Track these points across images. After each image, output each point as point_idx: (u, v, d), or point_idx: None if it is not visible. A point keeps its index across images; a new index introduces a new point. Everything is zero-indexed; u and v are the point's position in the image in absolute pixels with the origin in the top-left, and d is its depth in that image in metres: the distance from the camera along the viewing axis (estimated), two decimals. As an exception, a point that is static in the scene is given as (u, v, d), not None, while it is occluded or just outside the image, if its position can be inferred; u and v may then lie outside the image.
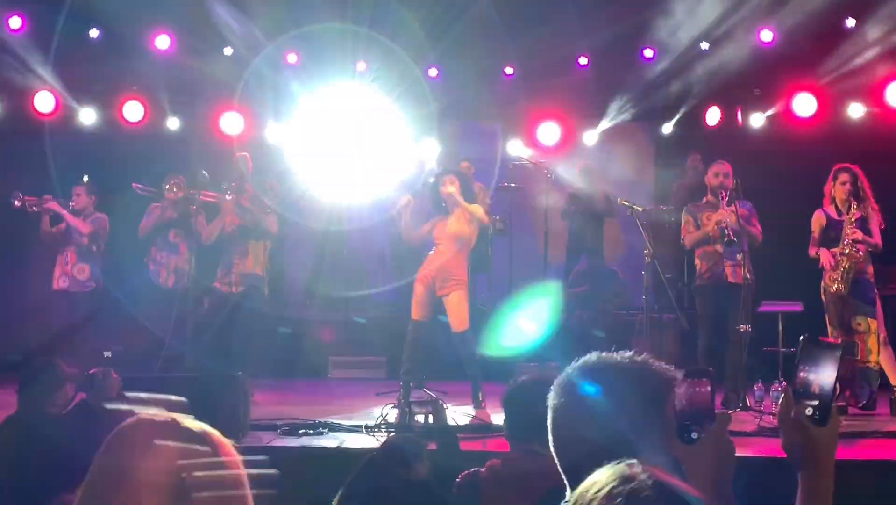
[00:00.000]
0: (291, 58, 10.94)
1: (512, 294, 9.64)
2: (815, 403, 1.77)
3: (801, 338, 1.83)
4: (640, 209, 7.59)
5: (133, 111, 10.49)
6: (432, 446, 4.26)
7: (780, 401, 1.82)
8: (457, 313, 7.20)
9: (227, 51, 10.66)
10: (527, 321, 7.84)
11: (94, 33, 10.45)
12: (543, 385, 3.38)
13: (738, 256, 7.10)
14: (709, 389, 1.80)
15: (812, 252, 7.25)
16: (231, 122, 10.49)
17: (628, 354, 1.85)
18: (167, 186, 8.68)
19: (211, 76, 10.46)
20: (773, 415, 6.48)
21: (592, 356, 1.86)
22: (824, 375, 1.79)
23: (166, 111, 10.70)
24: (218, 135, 10.51)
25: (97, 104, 10.65)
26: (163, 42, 10.40)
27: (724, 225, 7.19)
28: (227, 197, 8.40)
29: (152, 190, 8.90)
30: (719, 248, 7.34)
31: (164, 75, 10.49)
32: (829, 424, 1.77)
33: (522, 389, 3.35)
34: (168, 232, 8.77)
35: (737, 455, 1.83)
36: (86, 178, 9.79)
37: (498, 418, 6.30)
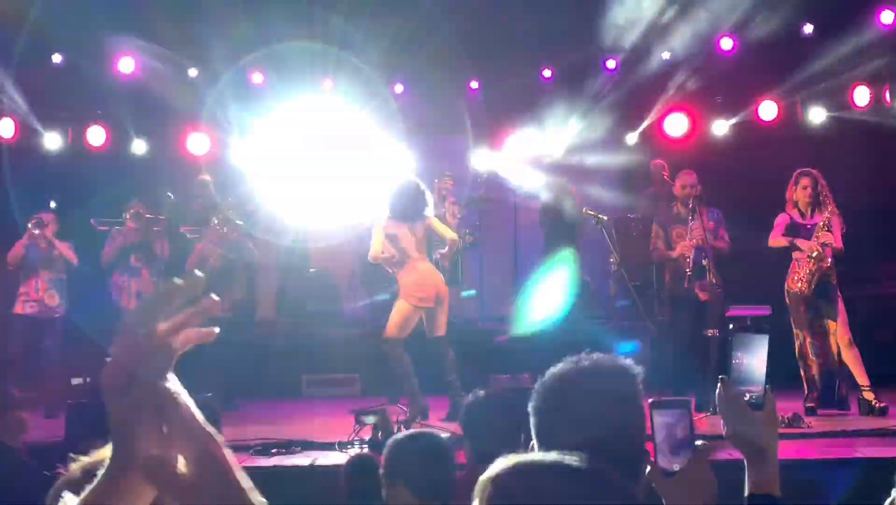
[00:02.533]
0: (257, 77, 10.95)
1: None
2: (751, 388, 1.84)
3: (731, 327, 1.89)
4: (605, 218, 7.65)
5: (97, 135, 10.46)
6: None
7: (717, 391, 1.85)
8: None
9: (192, 72, 10.66)
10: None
11: (56, 58, 10.40)
12: (503, 400, 3.43)
13: (704, 262, 7.17)
14: (687, 421, 1.81)
15: (775, 240, 7.26)
16: (197, 143, 10.51)
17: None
18: (127, 215, 8.63)
19: (176, 98, 10.46)
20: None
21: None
22: (756, 362, 1.86)
23: (131, 134, 10.66)
24: (184, 156, 10.53)
25: (62, 129, 10.59)
26: (126, 65, 10.37)
27: (687, 259, 7.29)
28: (225, 229, 8.52)
29: (111, 221, 8.83)
30: (687, 270, 7.42)
31: (128, 98, 10.46)
32: (766, 407, 1.82)
33: (482, 405, 3.38)
34: (129, 256, 8.70)
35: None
36: (53, 205, 9.75)
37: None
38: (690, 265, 7.25)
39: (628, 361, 1.81)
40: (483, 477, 1.27)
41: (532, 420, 1.78)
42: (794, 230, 7.29)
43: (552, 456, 1.28)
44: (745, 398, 1.83)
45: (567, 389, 1.75)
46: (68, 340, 8.69)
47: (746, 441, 1.81)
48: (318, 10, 10.25)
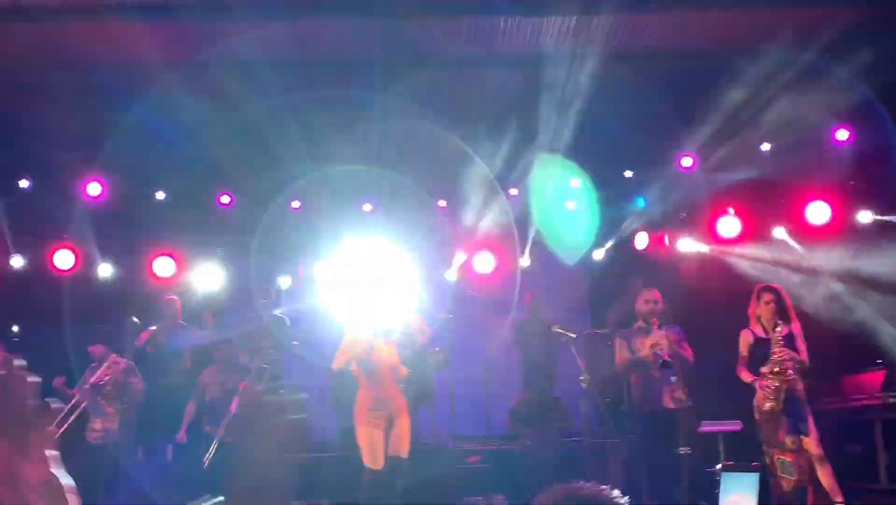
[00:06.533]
0: (224, 199, 11.03)
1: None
2: None
3: (719, 466, 1.92)
4: (573, 336, 7.64)
5: (63, 259, 10.40)
6: None
7: None
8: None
9: (160, 195, 10.71)
10: None
11: (24, 183, 10.43)
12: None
13: (673, 379, 7.15)
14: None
15: (741, 374, 7.34)
16: (164, 266, 10.52)
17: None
18: (101, 384, 8.49)
19: (143, 221, 10.50)
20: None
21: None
22: (746, 499, 1.94)
23: (97, 258, 10.61)
24: (151, 279, 10.51)
25: (28, 252, 10.52)
26: (94, 189, 10.40)
27: (658, 348, 7.26)
28: (258, 388, 8.65)
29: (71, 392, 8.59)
30: (655, 373, 7.38)
31: (95, 222, 10.45)
32: None
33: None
34: (96, 398, 8.54)
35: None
36: (15, 328, 9.63)
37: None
38: (664, 355, 7.18)
39: (615, 492, 1.77)
40: None
41: None
42: (757, 346, 7.31)
43: None
44: None
45: None
46: None
47: None
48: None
